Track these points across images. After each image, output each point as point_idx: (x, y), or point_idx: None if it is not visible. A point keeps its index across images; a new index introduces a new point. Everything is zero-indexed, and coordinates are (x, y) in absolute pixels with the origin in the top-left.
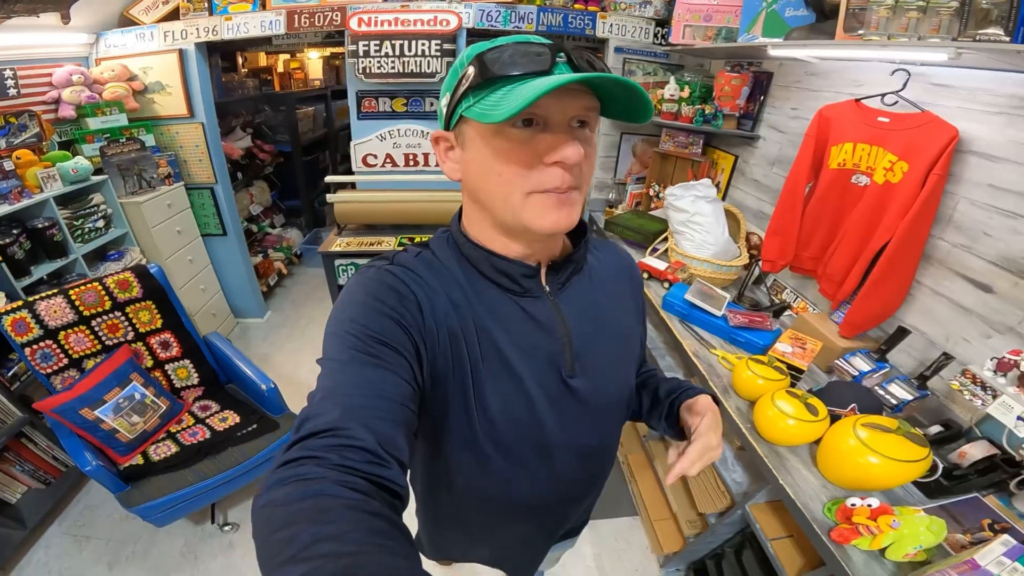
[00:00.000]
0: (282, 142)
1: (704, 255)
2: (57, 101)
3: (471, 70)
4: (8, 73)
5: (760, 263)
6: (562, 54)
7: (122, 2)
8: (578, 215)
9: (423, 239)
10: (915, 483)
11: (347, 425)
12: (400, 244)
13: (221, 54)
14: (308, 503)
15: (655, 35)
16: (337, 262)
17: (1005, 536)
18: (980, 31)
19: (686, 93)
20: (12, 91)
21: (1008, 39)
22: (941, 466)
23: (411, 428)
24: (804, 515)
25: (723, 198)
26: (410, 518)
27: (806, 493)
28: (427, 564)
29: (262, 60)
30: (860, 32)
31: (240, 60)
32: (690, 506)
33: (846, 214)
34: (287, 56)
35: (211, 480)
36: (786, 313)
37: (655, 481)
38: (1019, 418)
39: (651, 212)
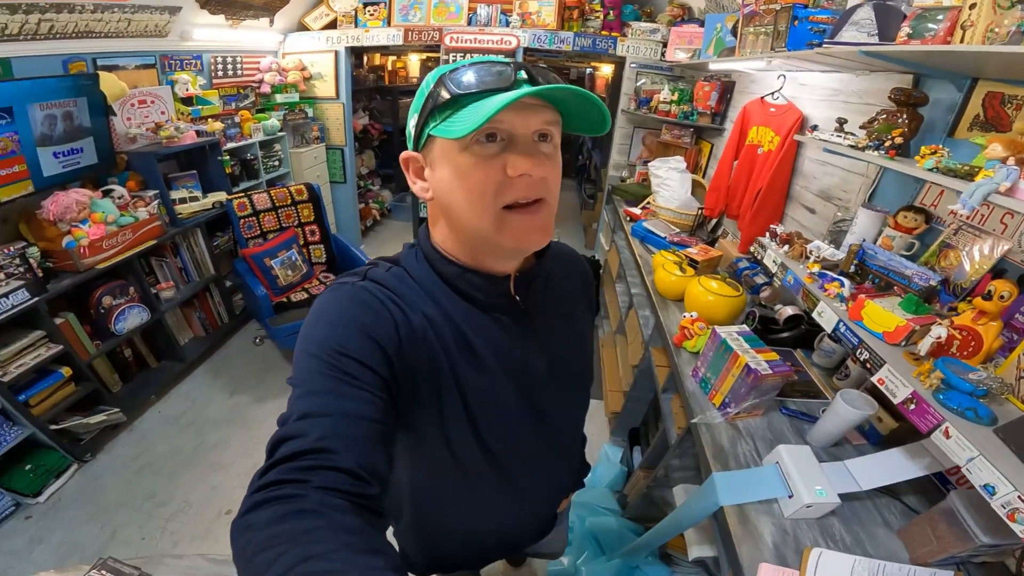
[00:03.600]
0: (387, 124)
1: (670, 206)
2: (260, 82)
3: (436, 90)
4: (239, 59)
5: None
6: (523, 72)
7: (301, 12)
8: (551, 233)
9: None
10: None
11: (325, 447)
12: None
13: (354, 54)
14: (290, 524)
15: (661, 54)
16: (421, 202)
17: (744, 326)
18: (777, 46)
19: (675, 97)
20: (239, 71)
21: (786, 49)
22: (758, 315)
23: (388, 446)
24: (663, 329)
25: (703, 175)
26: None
27: (671, 321)
28: None
29: (377, 60)
30: (743, 51)
31: (365, 59)
32: (630, 368)
33: (753, 174)
34: (395, 57)
35: None
36: (717, 243)
37: (615, 362)
38: (773, 261)
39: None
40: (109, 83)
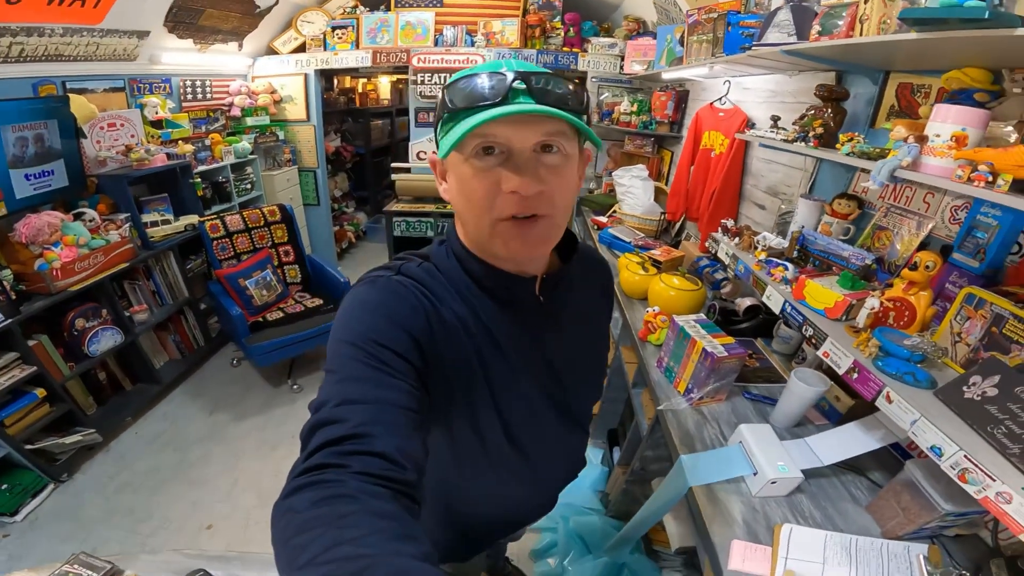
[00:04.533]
0: (359, 146)
1: (635, 213)
2: (230, 105)
3: (442, 100)
4: (208, 83)
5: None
6: (522, 83)
7: (269, 37)
8: (545, 247)
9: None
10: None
11: (365, 432)
12: (437, 208)
13: (324, 77)
14: (327, 508)
15: (620, 67)
16: (395, 219)
17: (701, 315)
18: (716, 52)
19: (635, 108)
20: (209, 95)
21: (723, 54)
22: (718, 307)
23: (424, 434)
24: (630, 327)
25: (666, 182)
26: None
27: (637, 319)
28: None
29: (348, 82)
30: (689, 59)
31: (335, 82)
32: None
33: (708, 177)
34: (365, 80)
35: (302, 334)
36: (680, 245)
37: None
38: (726, 253)
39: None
40: (79, 105)
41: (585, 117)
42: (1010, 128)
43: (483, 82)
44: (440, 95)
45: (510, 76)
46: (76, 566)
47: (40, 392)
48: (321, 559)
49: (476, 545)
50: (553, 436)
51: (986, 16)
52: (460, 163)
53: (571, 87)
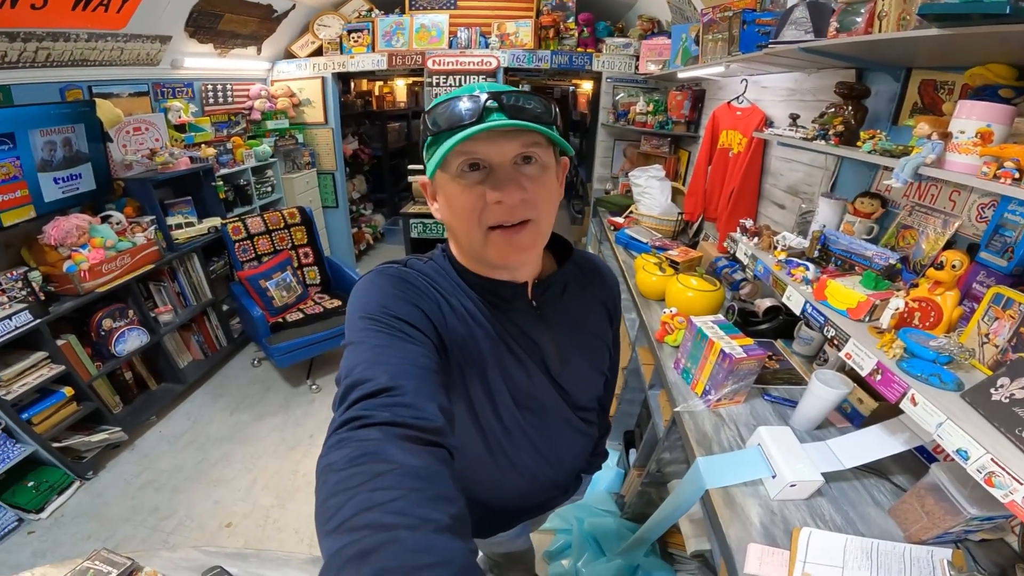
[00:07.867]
0: (376, 148)
1: (651, 213)
2: (250, 108)
3: (423, 126)
4: (229, 87)
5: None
6: (495, 102)
7: (287, 41)
8: (533, 250)
9: None
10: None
11: (397, 385)
12: None
13: (341, 80)
14: (363, 467)
15: (634, 67)
16: (412, 221)
17: (720, 316)
18: (732, 50)
19: (651, 108)
20: (230, 99)
21: (739, 52)
22: (737, 307)
23: (447, 393)
24: (647, 328)
25: (683, 183)
26: None
27: (654, 320)
28: None
29: (364, 85)
30: (704, 58)
31: (352, 85)
32: (620, 371)
33: (726, 176)
34: (382, 82)
35: (320, 334)
36: (699, 246)
37: None
38: (745, 253)
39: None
40: (105, 110)
41: (556, 128)
42: None
43: (460, 105)
44: (422, 120)
45: (483, 97)
46: (97, 562)
47: (68, 391)
48: (348, 525)
49: (487, 529)
50: (553, 429)
51: (1007, 11)
52: (448, 182)
53: (540, 101)
